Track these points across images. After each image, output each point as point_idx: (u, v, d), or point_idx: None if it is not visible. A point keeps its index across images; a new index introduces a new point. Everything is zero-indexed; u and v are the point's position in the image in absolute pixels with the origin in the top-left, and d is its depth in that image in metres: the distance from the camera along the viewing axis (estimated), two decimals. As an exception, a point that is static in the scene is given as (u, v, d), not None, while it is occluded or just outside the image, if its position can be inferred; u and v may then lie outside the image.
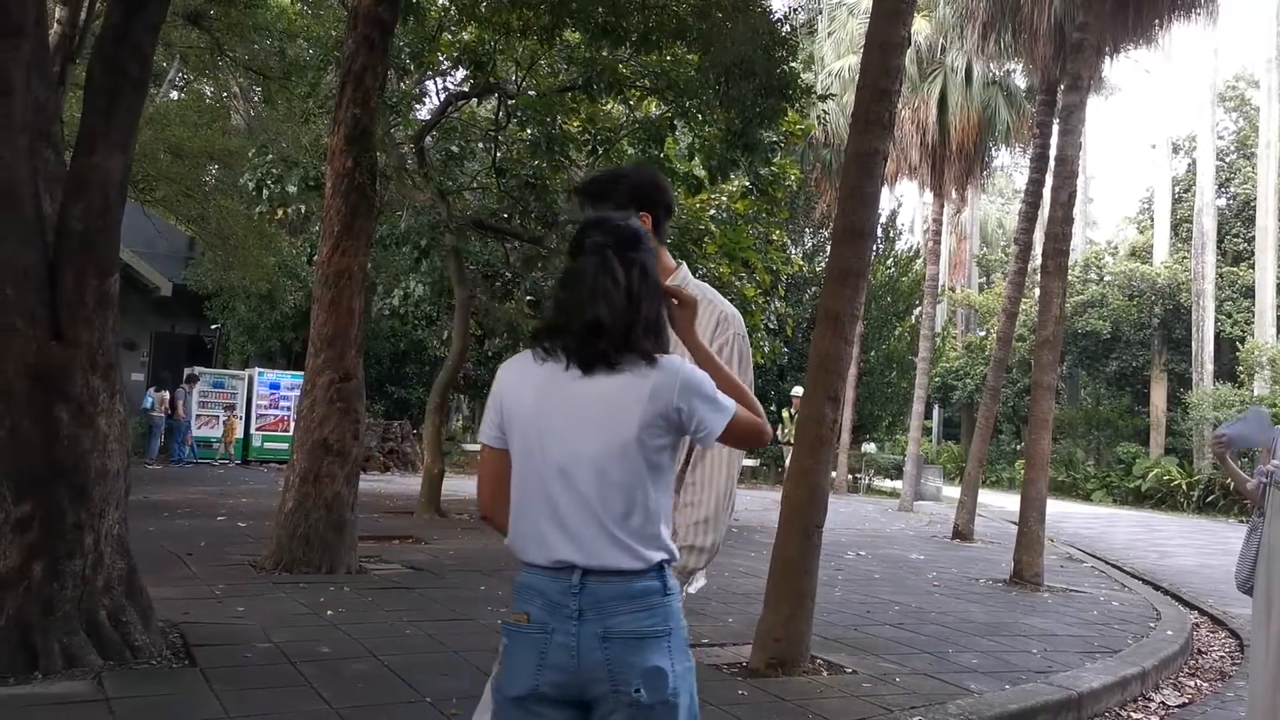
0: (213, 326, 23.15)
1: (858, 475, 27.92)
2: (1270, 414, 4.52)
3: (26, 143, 4.29)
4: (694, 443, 2.11)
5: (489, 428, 2.14)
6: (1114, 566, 12.06)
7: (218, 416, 20.51)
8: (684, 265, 2.71)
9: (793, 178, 13.77)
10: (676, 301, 2.17)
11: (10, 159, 4.20)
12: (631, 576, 1.99)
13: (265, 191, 12.21)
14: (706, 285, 2.70)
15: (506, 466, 2.11)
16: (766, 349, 15.85)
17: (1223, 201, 34.17)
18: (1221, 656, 7.21)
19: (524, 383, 2.10)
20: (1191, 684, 6.23)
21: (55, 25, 9.42)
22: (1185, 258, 32.99)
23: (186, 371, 20.81)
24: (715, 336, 2.55)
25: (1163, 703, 5.69)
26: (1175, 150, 38.38)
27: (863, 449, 28.43)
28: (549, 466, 2.03)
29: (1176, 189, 36.86)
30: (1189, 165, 36.45)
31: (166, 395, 20.08)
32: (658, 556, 2.02)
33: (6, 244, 4.22)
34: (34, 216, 4.33)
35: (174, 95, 20.21)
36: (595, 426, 2.01)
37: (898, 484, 26.06)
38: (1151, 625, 7.57)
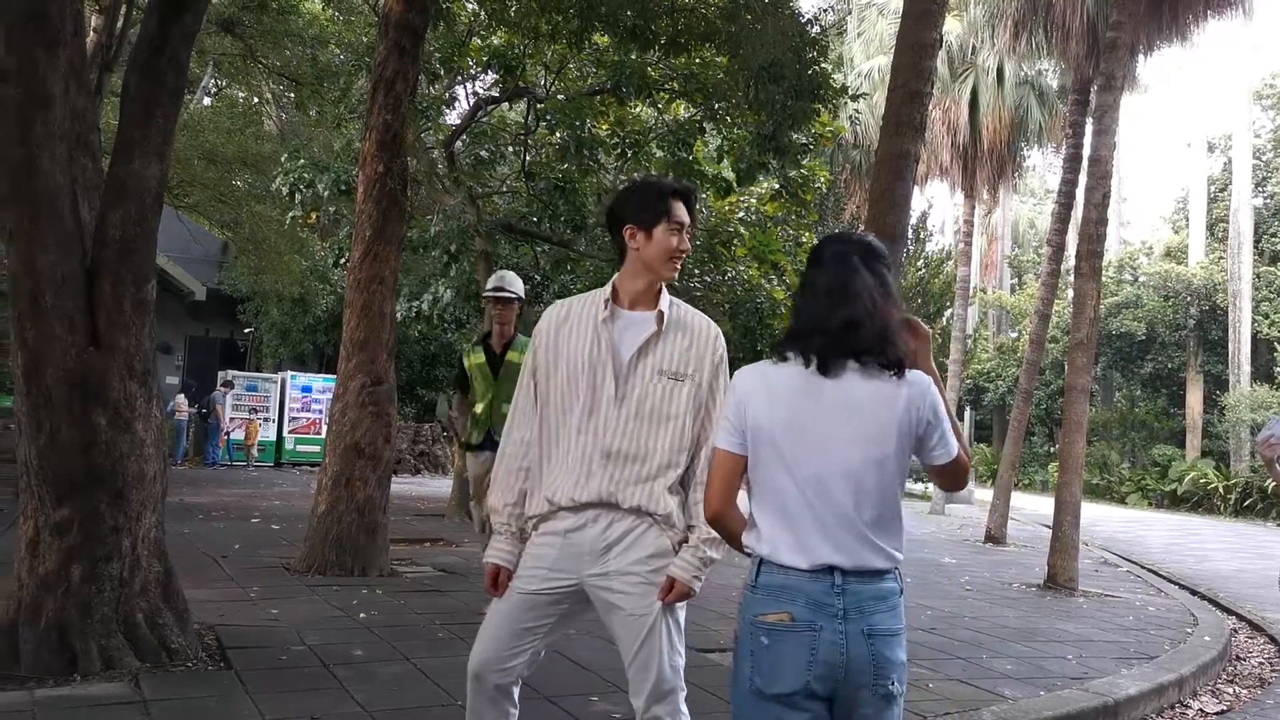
0: (246, 330, 23.38)
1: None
2: None
3: (65, 151, 4.34)
4: (926, 460, 2.19)
5: (729, 433, 2.19)
6: (1150, 571, 11.91)
7: (250, 419, 20.71)
8: (663, 287, 2.76)
9: (822, 179, 13.72)
10: (913, 331, 2.24)
11: (49, 168, 4.26)
12: (881, 576, 2.12)
13: (298, 196, 12.32)
14: (686, 304, 2.79)
15: (740, 471, 2.19)
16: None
17: (1259, 201, 33.70)
18: (1260, 663, 7.10)
19: (769, 390, 2.16)
20: (1230, 691, 6.14)
21: (91, 34, 9.56)
22: (1221, 258, 32.55)
23: (222, 376, 21.04)
24: (716, 348, 2.71)
25: (1201, 710, 5.61)
26: (1211, 149, 37.94)
27: None
28: (807, 474, 2.10)
29: (1212, 188, 36.40)
30: (1225, 164, 35.99)
31: (182, 399, 20.30)
32: (900, 556, 2.15)
33: (46, 252, 4.28)
34: (73, 224, 4.39)
35: (207, 101, 20.44)
36: (854, 438, 2.11)
37: (928, 486, 25.87)
38: (1189, 631, 7.47)
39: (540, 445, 2.71)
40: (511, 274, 6.36)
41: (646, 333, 2.65)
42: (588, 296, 2.77)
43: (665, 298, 2.71)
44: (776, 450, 2.12)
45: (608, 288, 2.73)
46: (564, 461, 2.65)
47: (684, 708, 2.64)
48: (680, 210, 2.69)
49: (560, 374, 2.68)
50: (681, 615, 2.66)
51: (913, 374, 2.15)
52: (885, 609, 2.10)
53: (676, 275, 2.74)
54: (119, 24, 8.93)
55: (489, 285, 6.28)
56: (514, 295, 6.20)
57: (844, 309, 2.12)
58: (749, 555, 2.19)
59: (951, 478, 2.25)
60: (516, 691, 2.71)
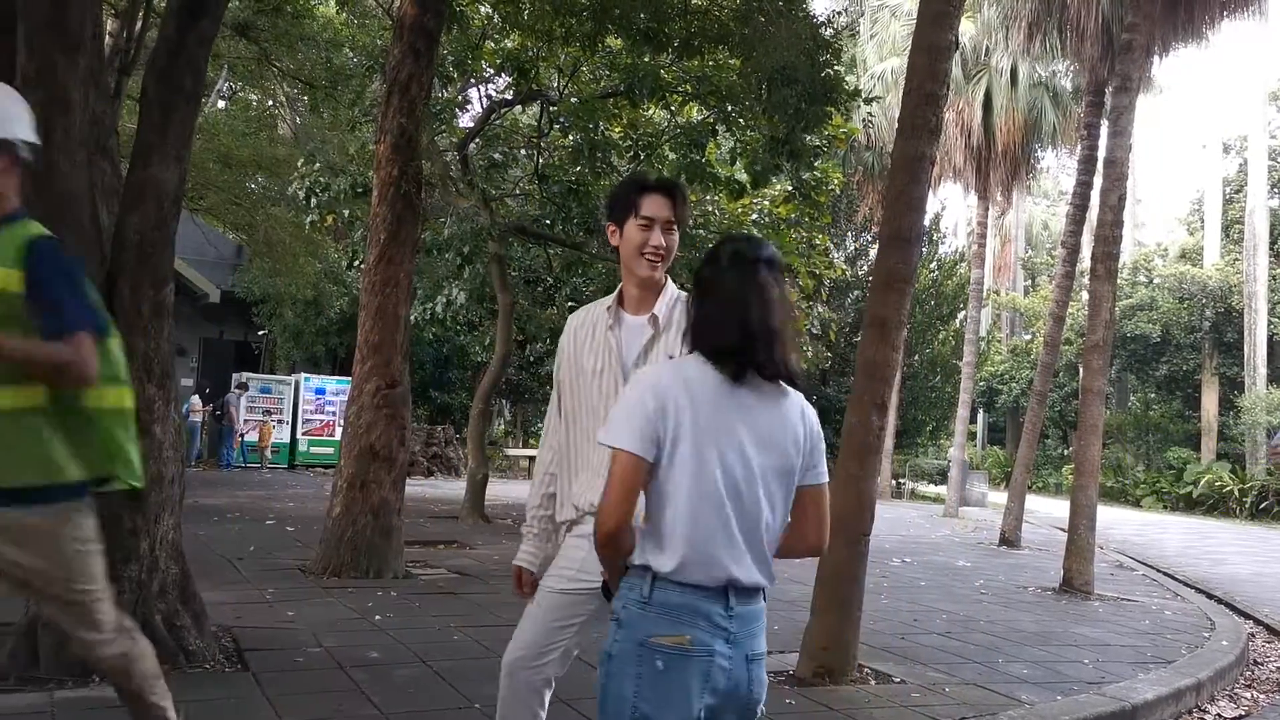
0: (260, 333, 23.47)
1: (901, 481, 27.70)
2: None
3: (84, 156, 4.36)
4: (803, 480, 2.10)
5: (643, 438, 1.98)
6: (1166, 575, 11.85)
7: (263, 421, 20.78)
8: (669, 282, 2.72)
9: (835, 181, 13.70)
10: None
11: (69, 173, 4.28)
12: (758, 596, 2.05)
13: (314, 200, 12.37)
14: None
15: (645, 478, 2.01)
16: (810, 354, 15.78)
17: (1275, 202, 33.51)
18: (1278, 667, 7.05)
19: (690, 390, 2.02)
20: (1247, 695, 6.10)
21: (108, 38, 9.60)
22: (1237, 260, 32.40)
23: (236, 378, 21.11)
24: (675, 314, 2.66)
25: (1218, 715, 5.58)
26: (1226, 150, 37.75)
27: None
28: (728, 482, 2.00)
29: (1227, 190, 36.22)
30: (1240, 165, 35.81)
31: (196, 400, 20.39)
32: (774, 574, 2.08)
33: (65, 256, 4.30)
34: (92, 228, 4.41)
35: (221, 105, 20.51)
36: (769, 447, 2.03)
37: (942, 489, 25.82)
38: (1205, 635, 7.43)
39: (566, 452, 2.74)
40: None
41: (645, 337, 2.65)
42: (602, 302, 2.78)
43: (667, 295, 2.68)
44: (697, 455, 1.98)
45: (615, 293, 2.75)
46: (588, 468, 2.67)
47: None
48: (651, 204, 2.64)
49: (580, 382, 2.71)
50: None
51: (793, 390, 2.11)
52: (760, 630, 2.05)
53: (656, 274, 2.66)
54: (137, 28, 8.97)
55: None
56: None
57: (737, 322, 2.05)
58: (625, 569, 2.07)
59: (818, 512, 2.15)
60: (548, 695, 2.72)
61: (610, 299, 2.74)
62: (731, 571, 1.98)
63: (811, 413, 2.13)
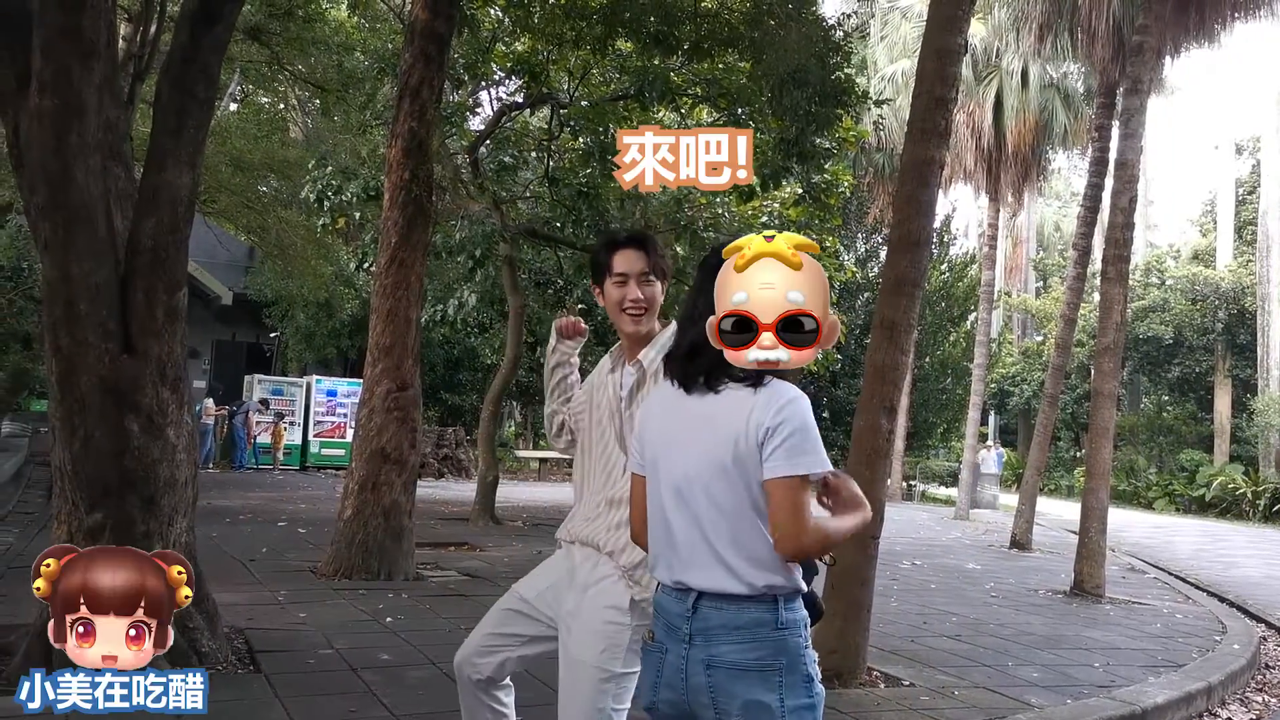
0: (272, 335, 23.55)
1: (912, 483, 27.63)
2: None
3: (99, 162, 4.40)
4: (762, 474, 1.94)
5: (634, 455, 2.22)
6: (1177, 578, 11.81)
7: (275, 423, 20.86)
8: (669, 328, 2.67)
9: (846, 184, 13.67)
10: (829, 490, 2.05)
11: (83, 179, 4.32)
12: (741, 604, 1.96)
13: (326, 203, 12.41)
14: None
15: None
16: (820, 356, 15.77)
17: (1289, 203, 33.32)
18: (1291, 671, 7.04)
19: (656, 409, 2.18)
20: (1259, 699, 6.09)
21: (121, 43, 9.66)
22: (1249, 261, 32.26)
23: (257, 388, 21.13)
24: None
25: (1229, 718, 5.57)
26: (1238, 151, 37.60)
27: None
28: (666, 487, 2.07)
29: (1240, 191, 36.08)
30: (1253, 166, 35.66)
31: (210, 403, 20.48)
32: (763, 581, 1.95)
33: (81, 261, 4.34)
34: (106, 233, 4.45)
35: (233, 108, 20.60)
36: (699, 447, 2.02)
37: (953, 491, 25.75)
38: (1217, 638, 7.41)
39: (578, 484, 2.77)
40: None
41: (632, 380, 2.65)
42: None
43: (659, 340, 2.64)
44: (654, 466, 2.12)
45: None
46: (587, 501, 2.69)
47: None
48: (622, 261, 2.65)
49: (587, 419, 2.76)
50: (629, 681, 2.46)
51: (777, 383, 1.97)
52: (738, 639, 1.93)
53: (640, 328, 2.64)
54: (150, 33, 9.02)
55: None
56: None
57: (689, 333, 2.10)
58: None
59: (777, 510, 1.92)
60: (504, 695, 2.71)
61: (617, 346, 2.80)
62: (678, 575, 2.04)
63: (772, 401, 1.95)
